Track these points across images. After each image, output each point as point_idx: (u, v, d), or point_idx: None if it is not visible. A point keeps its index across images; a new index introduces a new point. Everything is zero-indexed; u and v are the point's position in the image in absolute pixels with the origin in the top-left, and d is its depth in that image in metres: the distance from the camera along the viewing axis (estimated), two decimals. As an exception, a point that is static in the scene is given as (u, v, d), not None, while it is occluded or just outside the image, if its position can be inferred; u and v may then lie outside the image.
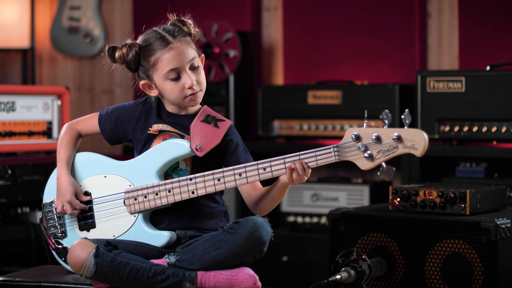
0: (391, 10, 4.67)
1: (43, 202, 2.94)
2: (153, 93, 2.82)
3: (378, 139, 2.52)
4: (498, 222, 3.07)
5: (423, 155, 2.48)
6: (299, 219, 4.51)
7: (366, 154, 2.54)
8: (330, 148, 2.59)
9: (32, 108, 4.18)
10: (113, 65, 2.83)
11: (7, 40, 5.35)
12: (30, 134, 4.17)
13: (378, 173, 2.54)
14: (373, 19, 4.72)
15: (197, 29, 2.82)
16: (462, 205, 3.20)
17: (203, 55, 2.84)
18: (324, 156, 2.60)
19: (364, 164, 2.56)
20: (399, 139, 2.49)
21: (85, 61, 5.57)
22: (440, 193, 3.24)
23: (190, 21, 2.81)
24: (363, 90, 4.41)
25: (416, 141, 2.48)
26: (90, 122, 2.93)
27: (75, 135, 2.93)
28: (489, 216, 3.17)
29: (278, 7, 5.02)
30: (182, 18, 2.81)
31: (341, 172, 4.79)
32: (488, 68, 3.96)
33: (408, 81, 4.52)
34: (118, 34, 5.44)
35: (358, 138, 2.55)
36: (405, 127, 2.50)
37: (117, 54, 2.79)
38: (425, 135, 2.47)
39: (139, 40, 2.79)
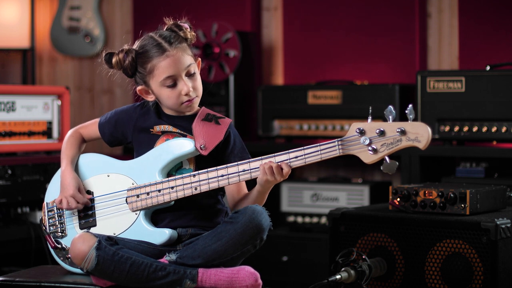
0: (391, 10, 4.66)
1: (45, 201, 2.95)
2: (150, 98, 2.85)
3: (382, 133, 2.55)
4: (498, 222, 3.07)
5: (426, 147, 2.51)
6: (299, 219, 4.50)
7: (370, 148, 2.56)
8: (334, 142, 2.61)
9: (32, 108, 4.18)
10: (111, 70, 2.85)
11: (7, 40, 5.35)
12: (30, 134, 4.17)
13: (382, 167, 2.56)
14: (373, 19, 4.72)
15: (193, 33, 2.83)
16: (462, 205, 3.20)
17: (199, 59, 2.86)
18: (328, 149, 2.62)
19: (367, 158, 2.57)
20: (403, 132, 2.52)
21: (85, 61, 5.57)
22: (440, 193, 3.24)
23: (186, 25, 2.83)
24: (363, 90, 4.41)
25: (420, 133, 2.51)
26: (92, 127, 2.98)
27: (79, 137, 2.98)
28: (489, 216, 3.17)
29: (278, 7, 5.02)
30: (179, 23, 2.82)
31: (341, 172, 4.78)
32: (488, 68, 3.96)
33: (408, 81, 4.52)
34: (118, 34, 5.44)
35: (362, 132, 2.57)
36: (409, 121, 2.52)
37: (114, 60, 2.81)
38: (429, 128, 2.51)
39: (136, 45, 2.81)
